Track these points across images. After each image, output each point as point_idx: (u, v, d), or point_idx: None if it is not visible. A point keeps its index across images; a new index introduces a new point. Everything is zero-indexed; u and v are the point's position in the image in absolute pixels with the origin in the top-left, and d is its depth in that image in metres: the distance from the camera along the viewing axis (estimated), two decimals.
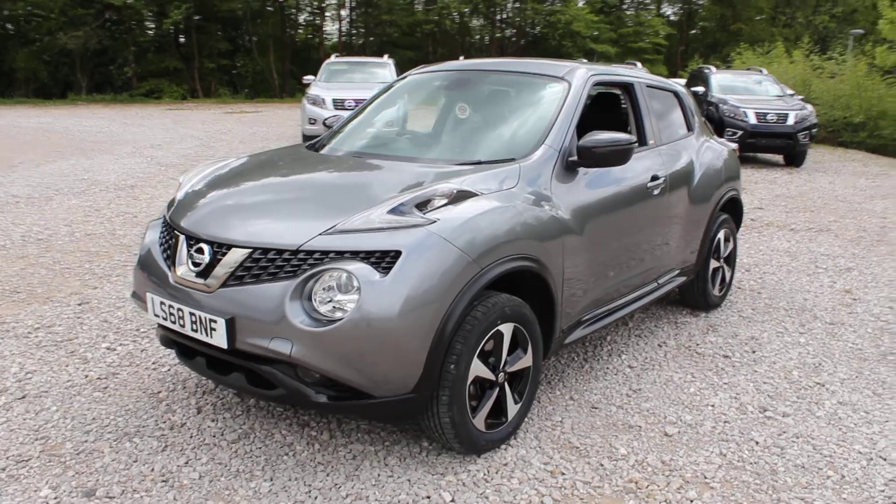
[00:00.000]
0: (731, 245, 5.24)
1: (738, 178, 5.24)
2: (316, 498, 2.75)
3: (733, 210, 5.26)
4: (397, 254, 2.68)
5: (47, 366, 3.85)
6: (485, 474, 2.94)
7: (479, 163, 3.43)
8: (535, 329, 3.20)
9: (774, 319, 4.97)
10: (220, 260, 2.83)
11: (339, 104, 12.98)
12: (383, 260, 2.68)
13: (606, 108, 4.69)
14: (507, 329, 3.03)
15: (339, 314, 2.62)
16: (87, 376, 3.74)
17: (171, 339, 3.14)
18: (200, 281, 2.87)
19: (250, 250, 2.79)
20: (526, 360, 3.18)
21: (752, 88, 14.50)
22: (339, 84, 13.99)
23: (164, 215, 3.35)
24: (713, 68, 15.58)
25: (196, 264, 2.91)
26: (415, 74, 4.63)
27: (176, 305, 2.91)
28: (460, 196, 2.97)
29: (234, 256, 2.80)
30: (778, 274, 6.14)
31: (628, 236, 3.92)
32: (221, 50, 34.45)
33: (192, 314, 2.85)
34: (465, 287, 2.79)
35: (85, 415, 3.34)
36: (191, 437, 3.17)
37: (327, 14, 39.71)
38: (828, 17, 40.67)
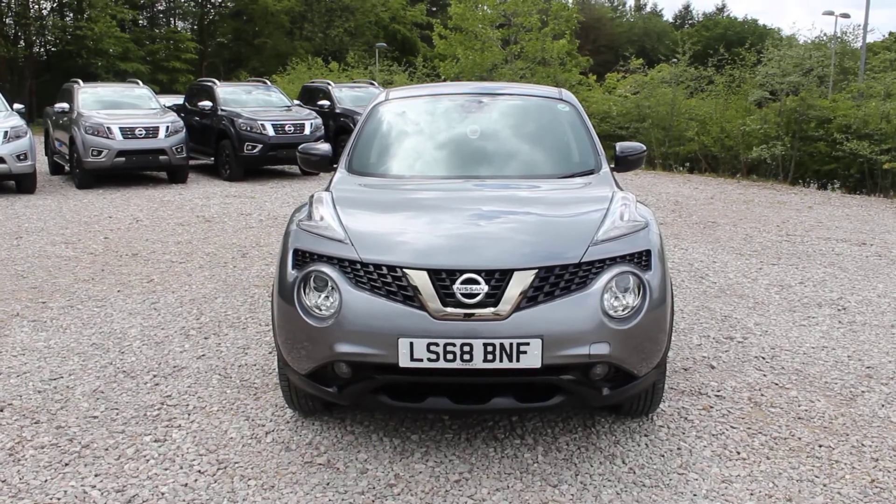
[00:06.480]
0: None
1: None
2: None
3: None
4: (648, 251, 3.19)
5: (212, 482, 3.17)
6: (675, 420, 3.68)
7: (573, 175, 4.06)
8: None
9: None
10: (505, 286, 2.93)
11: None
12: (641, 258, 3.17)
13: None
14: None
15: (632, 311, 3.03)
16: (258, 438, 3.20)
17: (380, 387, 3.07)
18: (489, 310, 2.92)
19: (536, 271, 2.98)
20: None
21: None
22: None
23: (362, 260, 3.10)
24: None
25: (469, 295, 2.93)
26: (404, 98, 4.79)
27: (460, 341, 2.89)
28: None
29: (522, 280, 2.95)
30: None
31: None
32: None
33: (487, 344, 2.88)
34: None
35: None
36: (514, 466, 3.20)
37: None
38: (342, 31, 45.30)
